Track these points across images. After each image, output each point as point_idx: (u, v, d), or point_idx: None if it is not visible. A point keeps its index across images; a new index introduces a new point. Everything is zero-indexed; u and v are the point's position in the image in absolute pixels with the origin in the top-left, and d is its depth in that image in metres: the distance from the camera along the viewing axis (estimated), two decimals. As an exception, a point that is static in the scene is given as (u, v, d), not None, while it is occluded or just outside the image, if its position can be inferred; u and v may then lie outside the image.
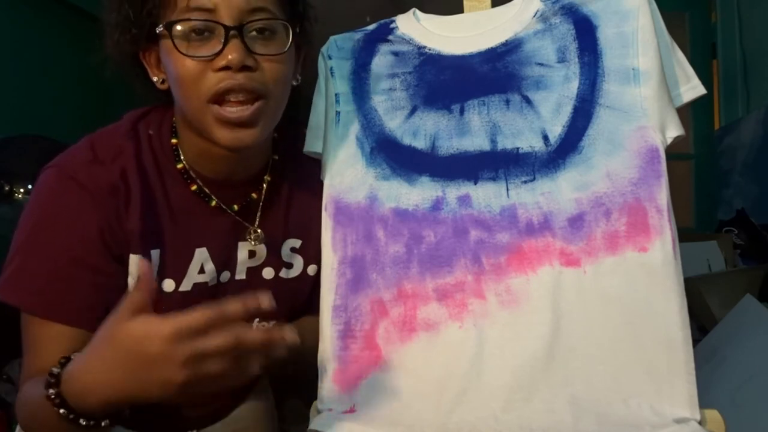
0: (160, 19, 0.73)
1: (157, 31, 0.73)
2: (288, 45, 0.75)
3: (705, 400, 0.67)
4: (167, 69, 0.74)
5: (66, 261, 0.74)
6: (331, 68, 0.86)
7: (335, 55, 0.86)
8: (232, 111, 0.71)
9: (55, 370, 0.63)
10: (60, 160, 0.78)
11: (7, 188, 1.49)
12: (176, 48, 0.70)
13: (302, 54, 0.83)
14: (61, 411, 0.62)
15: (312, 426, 0.73)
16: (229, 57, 0.69)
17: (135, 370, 0.57)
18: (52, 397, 0.62)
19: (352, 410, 0.74)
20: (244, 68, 0.70)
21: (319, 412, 0.75)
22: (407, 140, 0.80)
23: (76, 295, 0.75)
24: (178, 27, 0.70)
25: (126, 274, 0.78)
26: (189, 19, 0.70)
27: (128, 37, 0.75)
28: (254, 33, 0.72)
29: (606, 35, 0.76)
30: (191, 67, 0.71)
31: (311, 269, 0.90)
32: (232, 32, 0.70)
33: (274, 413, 1.03)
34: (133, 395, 0.60)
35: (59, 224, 0.75)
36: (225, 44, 0.70)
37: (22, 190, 1.49)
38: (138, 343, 0.57)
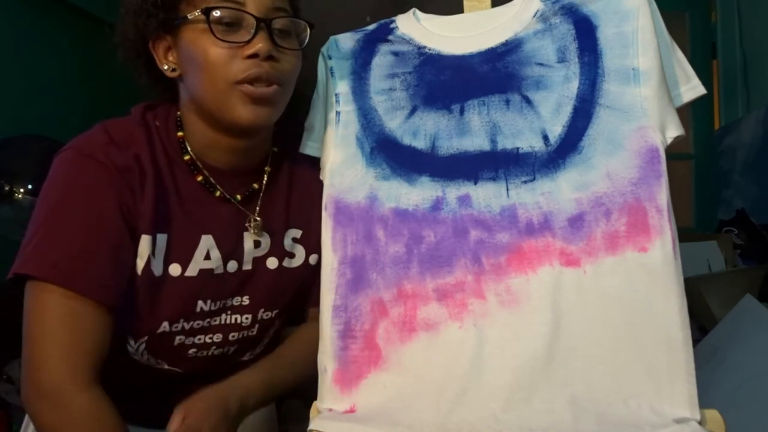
0: (188, 6, 0.78)
1: (189, 17, 0.77)
2: (305, 42, 0.82)
3: (705, 400, 0.67)
4: (191, 54, 0.78)
5: (88, 233, 0.77)
6: (331, 68, 0.86)
7: (335, 55, 0.86)
8: (257, 90, 0.77)
9: None
10: (75, 142, 0.81)
11: (7, 188, 1.48)
12: (213, 32, 0.76)
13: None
14: None
15: (312, 426, 0.73)
16: (259, 46, 0.76)
17: None
18: None
19: (352, 410, 0.74)
20: (269, 58, 0.77)
21: (319, 412, 0.76)
22: (407, 140, 0.80)
23: (99, 267, 0.77)
24: (216, 13, 0.76)
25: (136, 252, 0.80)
26: (226, 7, 0.76)
27: (154, 21, 0.79)
28: (278, 28, 0.78)
29: (606, 35, 0.76)
30: (222, 51, 0.76)
31: (312, 258, 0.93)
32: (261, 24, 0.76)
33: (275, 412, 1.03)
34: None
35: (80, 199, 0.78)
36: (255, 34, 0.76)
37: (22, 190, 1.49)
38: None
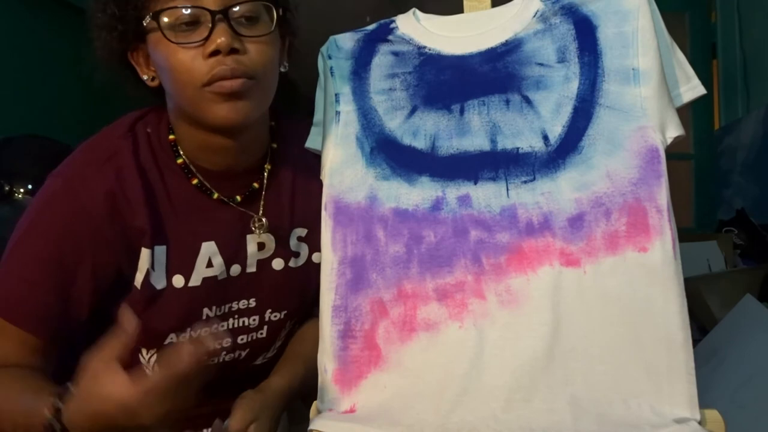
0: (146, 13, 0.74)
1: (144, 24, 0.73)
2: (273, 26, 0.76)
3: (705, 400, 0.67)
4: (157, 62, 0.75)
5: (40, 267, 0.75)
6: (331, 68, 0.86)
7: (335, 55, 0.86)
8: (225, 84, 0.72)
9: (59, 404, 0.66)
10: (60, 168, 0.80)
11: (7, 188, 1.48)
12: (165, 36, 0.71)
13: (287, 42, 0.84)
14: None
15: (312, 426, 0.73)
16: (218, 41, 0.71)
17: (121, 424, 0.63)
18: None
19: (352, 410, 0.74)
20: (232, 51, 0.72)
21: (319, 412, 0.76)
22: (407, 140, 0.80)
23: (39, 302, 0.75)
24: (166, 15, 0.71)
25: (123, 282, 0.78)
26: (175, 7, 0.71)
27: (116, 35, 0.76)
28: (239, 17, 0.73)
29: (606, 35, 0.76)
30: (182, 55, 0.72)
31: (316, 257, 0.90)
32: (218, 16, 0.71)
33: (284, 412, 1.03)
34: None
35: (45, 231, 0.76)
36: (212, 29, 0.71)
37: (22, 190, 1.49)
38: (116, 407, 0.61)
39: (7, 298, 0.75)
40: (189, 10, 0.71)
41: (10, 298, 0.75)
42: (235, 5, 0.72)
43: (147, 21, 0.73)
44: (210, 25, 0.71)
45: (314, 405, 0.77)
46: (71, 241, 0.75)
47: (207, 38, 0.71)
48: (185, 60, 0.72)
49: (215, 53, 0.71)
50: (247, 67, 0.73)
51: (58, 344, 0.79)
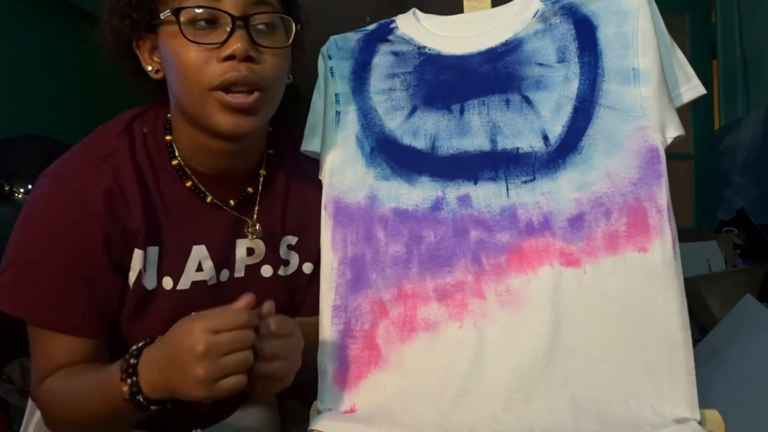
0: (163, 6, 0.73)
1: (162, 17, 0.73)
2: (290, 39, 0.76)
3: (705, 400, 0.67)
4: (167, 57, 0.75)
5: (64, 272, 0.75)
6: (331, 68, 0.86)
7: (335, 55, 0.86)
8: (235, 97, 0.72)
9: (132, 361, 0.67)
10: (54, 167, 0.79)
11: (7, 188, 1.48)
12: (183, 34, 0.71)
13: (295, 55, 0.84)
14: (138, 398, 0.66)
15: (312, 426, 0.73)
16: (235, 47, 0.70)
17: (168, 366, 0.64)
18: (131, 386, 0.66)
19: (352, 410, 0.74)
20: (247, 59, 0.71)
21: (319, 412, 0.76)
22: (407, 140, 0.80)
23: (74, 305, 0.75)
24: (187, 13, 0.71)
25: (124, 279, 0.78)
26: (198, 6, 0.71)
27: (128, 23, 0.75)
28: (259, 25, 0.73)
29: (606, 35, 0.76)
30: (196, 55, 0.71)
31: (306, 267, 0.89)
32: (238, 22, 0.71)
33: (277, 413, 1.03)
34: (175, 391, 0.65)
35: (56, 235, 0.75)
36: (231, 34, 0.71)
37: (22, 190, 1.49)
38: (176, 339, 0.64)
39: (47, 309, 0.75)
40: (210, 11, 0.71)
41: (50, 309, 0.75)
42: (256, 14, 0.73)
43: (166, 14, 0.72)
44: (229, 29, 0.71)
45: (314, 405, 0.77)
46: (85, 240, 0.75)
47: (224, 42, 0.71)
48: (198, 59, 0.71)
49: (230, 58, 0.71)
50: (259, 77, 0.73)
51: (108, 337, 0.80)
